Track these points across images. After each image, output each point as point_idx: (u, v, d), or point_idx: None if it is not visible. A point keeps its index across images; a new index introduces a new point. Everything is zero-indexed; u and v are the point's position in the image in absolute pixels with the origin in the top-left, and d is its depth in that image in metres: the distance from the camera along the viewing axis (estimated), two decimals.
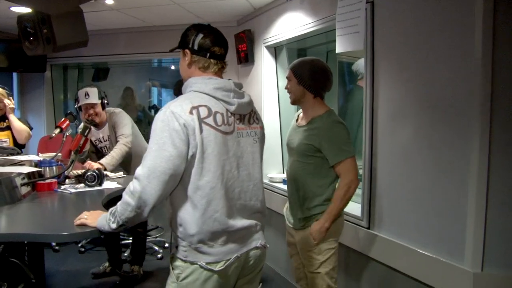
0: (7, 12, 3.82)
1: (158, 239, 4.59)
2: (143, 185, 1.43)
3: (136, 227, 3.50)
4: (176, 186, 1.51)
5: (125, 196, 1.49)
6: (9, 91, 3.63)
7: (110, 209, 1.57)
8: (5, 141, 3.35)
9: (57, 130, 2.95)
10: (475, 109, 1.86)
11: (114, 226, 1.53)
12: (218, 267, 1.52)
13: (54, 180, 2.49)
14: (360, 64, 3.36)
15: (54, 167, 2.55)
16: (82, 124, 3.33)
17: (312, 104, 2.28)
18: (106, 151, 3.42)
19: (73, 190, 2.48)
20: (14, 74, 5.20)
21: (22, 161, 2.66)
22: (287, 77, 2.34)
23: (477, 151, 1.85)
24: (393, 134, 2.36)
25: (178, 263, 1.56)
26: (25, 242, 2.33)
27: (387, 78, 2.40)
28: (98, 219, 1.63)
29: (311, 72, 2.24)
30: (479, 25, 1.82)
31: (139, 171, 1.46)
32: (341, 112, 3.68)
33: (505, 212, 1.84)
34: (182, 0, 3.58)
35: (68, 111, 3.20)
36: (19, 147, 3.40)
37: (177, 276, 1.55)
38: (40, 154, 3.10)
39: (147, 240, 4.05)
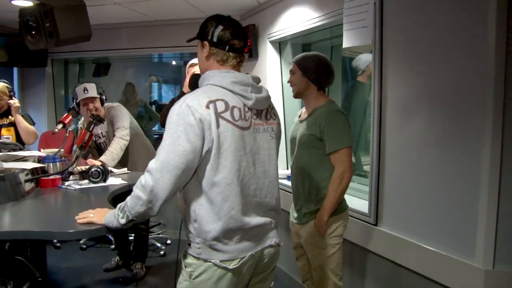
0: (8, 6, 3.77)
1: (160, 235, 4.57)
2: (155, 179, 1.41)
3: (139, 223, 3.48)
4: (188, 181, 1.48)
5: (136, 190, 1.46)
6: (10, 85, 3.59)
7: (119, 205, 1.54)
8: (7, 138, 3.31)
9: (60, 126, 2.92)
10: (488, 104, 1.83)
11: (123, 221, 1.50)
12: (232, 265, 1.49)
13: (58, 176, 2.46)
14: (360, 60, 3.38)
15: (58, 163, 2.52)
16: (82, 120, 3.30)
17: (315, 96, 2.31)
18: (105, 146, 3.40)
19: (77, 187, 2.44)
20: (15, 69, 5.16)
21: (25, 156, 2.63)
22: (290, 70, 2.36)
23: (489, 146, 1.82)
24: (402, 129, 2.33)
25: (190, 260, 1.52)
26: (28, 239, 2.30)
27: (395, 73, 2.37)
28: (106, 216, 1.60)
29: (316, 65, 2.28)
30: (492, 19, 1.79)
31: (151, 164, 1.43)
32: (344, 107, 3.65)
33: None
34: None
35: (71, 106, 3.17)
36: (21, 142, 3.37)
37: (189, 274, 1.51)
38: (42, 150, 3.07)
39: (149, 236, 4.03)
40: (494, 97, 1.80)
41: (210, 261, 1.48)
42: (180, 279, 1.56)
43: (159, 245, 4.33)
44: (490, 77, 1.81)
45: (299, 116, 2.44)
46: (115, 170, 2.94)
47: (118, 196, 2.40)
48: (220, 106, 1.45)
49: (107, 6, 3.95)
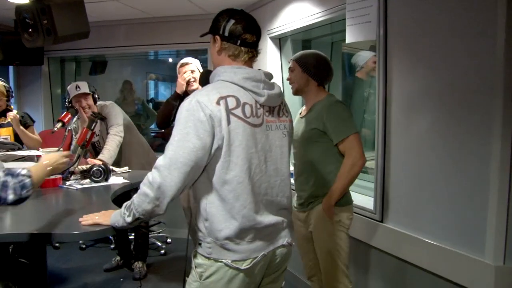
0: (3, 3, 3.70)
1: (160, 234, 4.54)
2: (163, 176, 1.37)
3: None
4: (197, 179, 1.45)
5: (143, 187, 1.43)
6: (7, 83, 3.53)
7: (125, 204, 1.51)
8: (5, 138, 3.25)
9: (59, 124, 2.87)
10: (497, 100, 1.81)
11: (129, 219, 1.47)
12: (244, 266, 1.45)
13: (59, 176, 2.41)
14: (359, 56, 3.38)
15: None
16: (74, 119, 3.25)
17: (315, 92, 2.32)
18: (99, 145, 3.38)
19: (79, 186, 2.41)
20: (10, 68, 5.09)
21: (24, 156, 2.58)
22: (289, 68, 2.37)
23: (499, 141, 1.80)
24: (408, 126, 2.31)
25: (201, 260, 1.49)
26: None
27: (401, 69, 2.35)
28: (111, 216, 1.57)
29: (315, 61, 2.30)
30: (502, 14, 1.76)
31: (159, 161, 1.40)
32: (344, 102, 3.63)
33: None
34: None
35: (70, 105, 3.12)
36: (20, 142, 3.31)
37: (199, 274, 1.48)
38: (41, 149, 3.02)
39: (149, 235, 4.00)
40: (504, 91, 1.77)
41: (222, 261, 1.44)
42: (189, 279, 1.52)
43: (159, 243, 4.30)
44: (500, 74, 1.79)
45: (300, 114, 2.45)
46: (116, 169, 2.90)
47: (119, 197, 2.37)
48: (231, 103, 1.42)
49: (105, 2, 3.89)
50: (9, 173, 1.41)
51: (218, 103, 1.39)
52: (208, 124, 1.37)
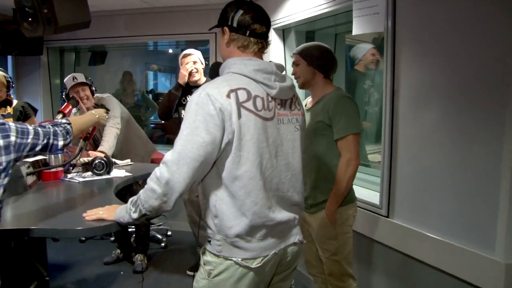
0: None
1: (161, 227, 4.51)
2: (171, 171, 1.33)
3: None
4: (206, 174, 1.41)
5: (150, 183, 1.38)
6: (6, 73, 3.47)
7: (131, 199, 1.47)
8: None
9: (60, 116, 2.80)
10: (509, 92, 1.76)
11: (135, 215, 1.43)
12: (255, 264, 1.41)
13: (60, 168, 2.37)
14: (358, 49, 3.36)
15: (59, 154, 2.43)
16: (75, 110, 3.21)
17: (322, 84, 2.27)
18: (96, 138, 3.35)
19: (80, 179, 2.36)
20: (9, 58, 5.02)
21: None
22: (293, 62, 2.31)
23: (510, 135, 1.76)
24: (415, 119, 2.27)
25: (210, 258, 1.45)
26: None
27: (409, 62, 2.30)
28: (116, 211, 1.53)
29: (319, 53, 2.25)
30: None
31: (168, 156, 1.35)
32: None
33: None
34: None
35: (71, 96, 3.07)
36: None
37: (208, 272, 1.44)
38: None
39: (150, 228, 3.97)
40: None
41: (231, 259, 1.41)
42: (197, 277, 1.49)
43: (159, 236, 4.27)
44: (510, 66, 1.74)
45: (305, 106, 2.39)
46: (118, 162, 2.86)
47: (121, 190, 2.33)
48: (242, 96, 1.37)
49: None
50: (54, 124, 1.66)
51: (228, 96, 1.35)
52: (218, 118, 1.33)
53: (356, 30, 2.60)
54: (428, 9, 2.16)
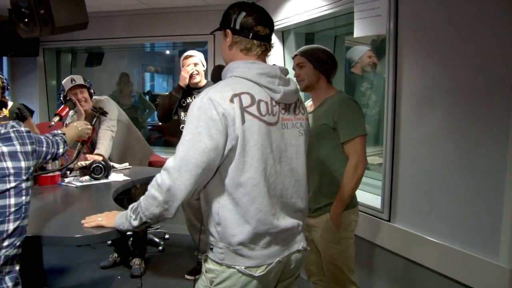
0: None
1: (158, 230, 4.47)
2: (173, 178, 1.29)
3: None
4: (209, 181, 1.37)
5: (151, 190, 1.34)
6: (2, 74, 3.42)
7: (131, 205, 1.44)
8: None
9: (57, 118, 2.78)
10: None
11: (136, 223, 1.40)
12: (258, 272, 1.38)
13: (57, 172, 2.33)
14: (354, 51, 3.35)
15: None
16: (71, 112, 3.17)
17: (325, 88, 2.24)
18: (93, 140, 3.29)
19: (78, 184, 2.33)
20: (5, 59, 4.97)
21: None
22: (299, 64, 2.24)
23: None
24: (418, 122, 2.25)
25: (212, 266, 1.41)
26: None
27: (411, 64, 2.28)
28: (116, 218, 1.50)
29: (326, 56, 2.21)
30: None
31: (169, 162, 1.32)
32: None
33: None
34: None
35: (67, 97, 3.03)
36: None
37: (210, 280, 1.40)
38: None
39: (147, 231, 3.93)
40: None
41: (234, 268, 1.37)
42: (199, 284, 1.46)
43: (157, 240, 4.23)
44: None
45: None
46: (116, 165, 2.82)
47: (119, 194, 2.29)
48: (246, 100, 1.33)
49: None
50: (52, 134, 1.77)
51: (231, 100, 1.31)
52: (221, 123, 1.29)
53: (357, 32, 2.58)
54: (431, 11, 2.14)
